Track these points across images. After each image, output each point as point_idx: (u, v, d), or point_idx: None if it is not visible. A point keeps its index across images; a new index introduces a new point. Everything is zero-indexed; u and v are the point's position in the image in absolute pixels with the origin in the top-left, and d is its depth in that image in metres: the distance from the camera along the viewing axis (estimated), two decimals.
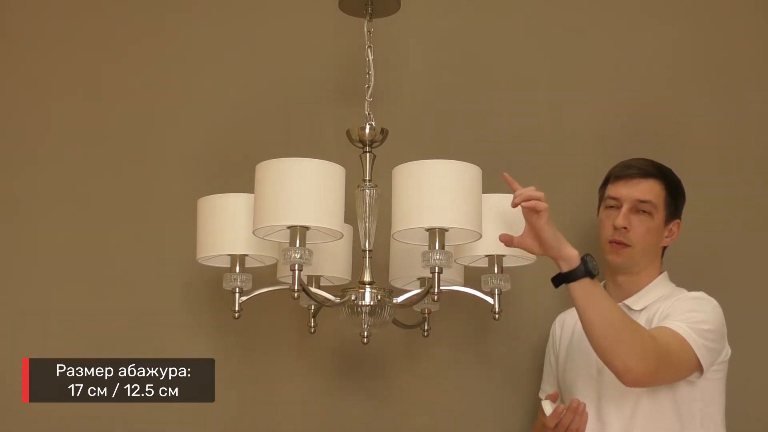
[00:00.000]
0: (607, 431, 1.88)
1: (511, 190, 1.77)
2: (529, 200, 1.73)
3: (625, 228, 1.94)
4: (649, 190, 1.97)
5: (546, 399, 1.91)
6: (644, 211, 1.96)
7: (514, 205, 1.75)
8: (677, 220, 2.02)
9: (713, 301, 1.90)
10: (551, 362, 2.13)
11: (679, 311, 1.85)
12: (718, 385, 1.89)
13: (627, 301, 1.98)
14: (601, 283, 2.05)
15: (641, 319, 1.92)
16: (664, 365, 1.76)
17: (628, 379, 1.73)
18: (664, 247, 2.03)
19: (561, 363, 2.08)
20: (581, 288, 1.73)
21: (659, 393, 1.85)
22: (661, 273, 2.02)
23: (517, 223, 1.81)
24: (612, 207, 1.99)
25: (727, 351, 1.89)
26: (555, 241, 1.74)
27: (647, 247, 1.97)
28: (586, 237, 2.10)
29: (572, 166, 2.35)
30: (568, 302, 1.81)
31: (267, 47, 2.46)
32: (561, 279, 1.75)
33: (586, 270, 1.72)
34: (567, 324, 2.07)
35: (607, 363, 1.74)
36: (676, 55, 2.46)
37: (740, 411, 1.98)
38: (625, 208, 1.96)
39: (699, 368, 1.82)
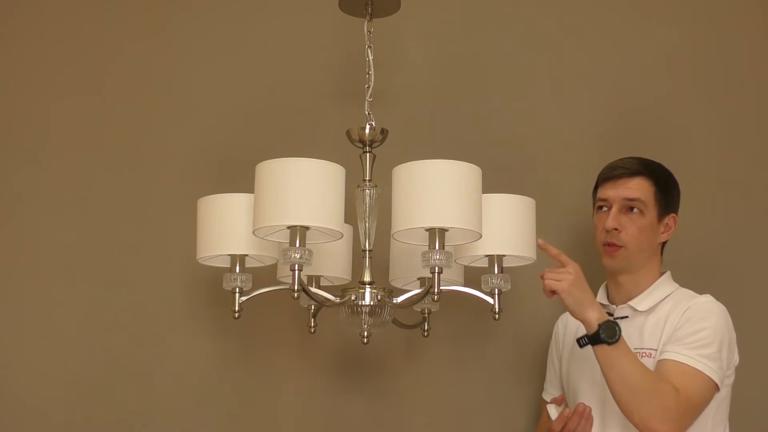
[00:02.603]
0: None
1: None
2: (545, 281, 1.79)
3: (616, 229, 1.94)
4: (636, 188, 1.95)
5: (551, 403, 1.91)
6: (634, 210, 1.95)
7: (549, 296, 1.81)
8: (673, 214, 2.00)
9: (720, 308, 1.89)
10: (554, 363, 2.13)
11: (688, 333, 1.84)
12: (728, 390, 1.90)
13: (631, 303, 1.96)
14: (603, 284, 2.05)
15: (648, 323, 1.92)
16: (688, 417, 1.78)
17: None
18: (664, 244, 2.02)
19: (564, 364, 2.07)
20: (601, 353, 1.76)
21: None
22: (662, 271, 2.01)
23: (516, 223, 1.81)
24: (602, 209, 1.99)
25: (735, 356, 1.89)
26: (576, 306, 1.77)
27: (641, 245, 1.95)
28: (586, 237, 2.10)
29: (571, 166, 2.35)
30: None
31: (267, 47, 2.46)
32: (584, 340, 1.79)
33: (601, 338, 1.74)
34: (570, 325, 2.07)
35: (629, 419, 1.76)
36: (675, 56, 2.46)
37: (740, 410, 1.97)
38: (614, 209, 1.95)
39: (717, 389, 1.83)
